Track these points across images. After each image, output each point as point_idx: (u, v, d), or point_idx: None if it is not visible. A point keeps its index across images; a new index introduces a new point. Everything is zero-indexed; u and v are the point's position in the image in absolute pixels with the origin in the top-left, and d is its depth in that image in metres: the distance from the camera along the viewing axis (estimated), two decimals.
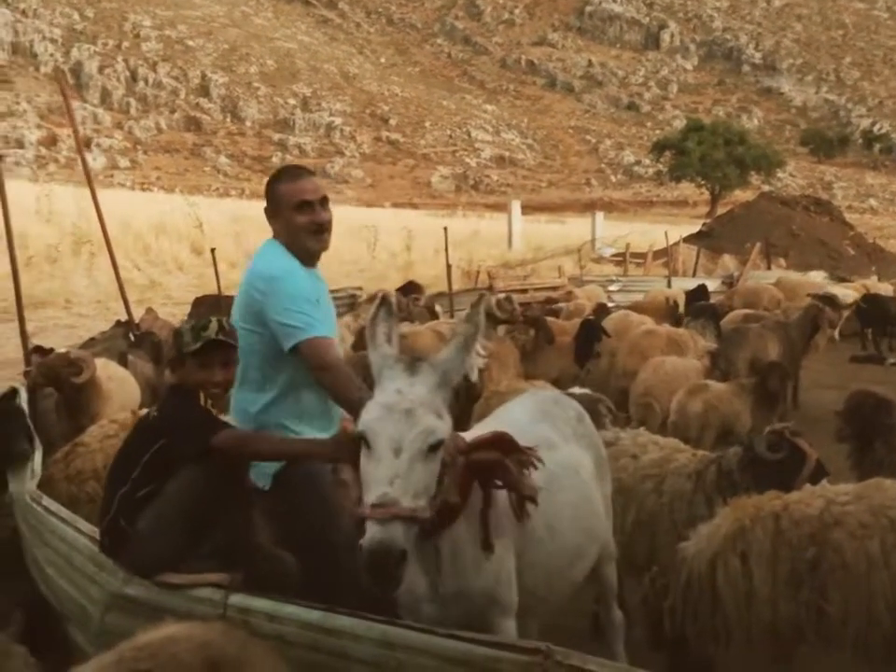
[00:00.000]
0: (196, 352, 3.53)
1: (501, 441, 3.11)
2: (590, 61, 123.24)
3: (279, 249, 3.74)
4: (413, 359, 2.80)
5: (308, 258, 3.76)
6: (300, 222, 3.68)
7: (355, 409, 2.96)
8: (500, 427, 3.48)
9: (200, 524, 3.36)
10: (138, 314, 10.47)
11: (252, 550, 3.52)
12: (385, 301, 2.98)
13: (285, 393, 3.69)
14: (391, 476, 2.57)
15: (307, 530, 3.56)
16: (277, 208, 3.74)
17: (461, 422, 6.62)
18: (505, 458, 3.03)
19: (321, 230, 3.73)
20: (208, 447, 3.29)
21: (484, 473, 3.02)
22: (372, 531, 2.50)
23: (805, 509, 3.87)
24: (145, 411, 4.26)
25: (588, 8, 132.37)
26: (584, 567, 3.73)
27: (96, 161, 79.81)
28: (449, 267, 15.30)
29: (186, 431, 3.36)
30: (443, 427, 2.70)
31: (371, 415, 2.69)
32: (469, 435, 3.27)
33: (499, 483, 3.03)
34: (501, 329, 10.11)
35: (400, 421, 2.63)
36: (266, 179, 3.92)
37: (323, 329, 3.57)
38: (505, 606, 3.13)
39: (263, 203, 3.85)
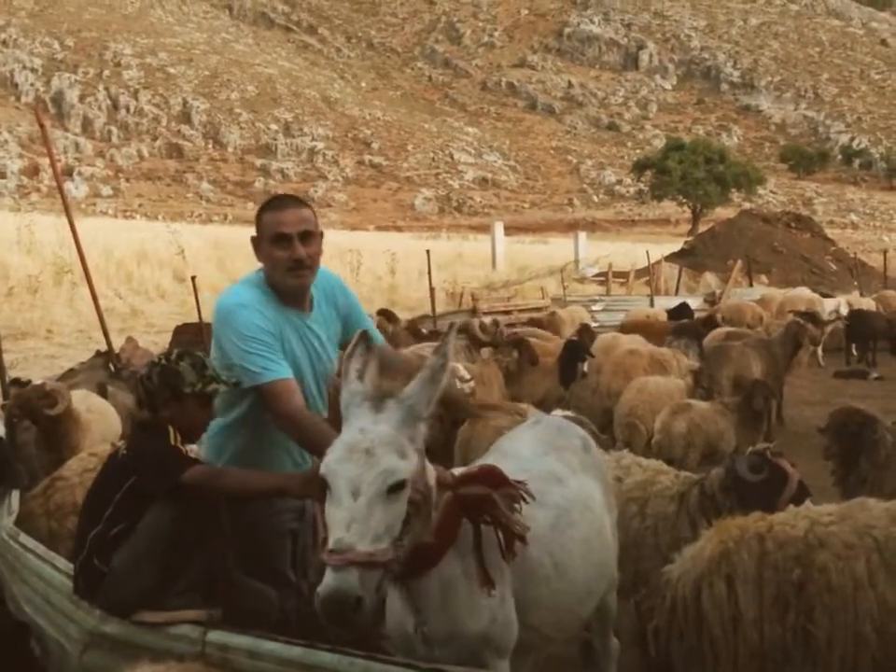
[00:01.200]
0: (201, 393, 3.48)
1: (490, 475, 3.00)
2: (570, 82, 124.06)
3: (252, 281, 3.60)
4: (380, 395, 2.70)
5: (286, 295, 3.54)
6: (276, 256, 3.47)
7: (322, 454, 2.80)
8: (504, 462, 3.39)
9: (174, 560, 3.31)
10: (119, 342, 10.41)
11: (231, 585, 3.47)
12: (363, 336, 2.88)
13: (245, 418, 3.61)
14: (348, 521, 2.49)
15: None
16: (259, 239, 3.56)
17: (445, 447, 6.60)
18: (493, 493, 2.92)
19: (297, 266, 3.47)
20: (178, 484, 3.25)
21: (472, 509, 2.91)
22: (328, 578, 2.44)
23: (790, 530, 3.83)
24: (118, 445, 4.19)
25: (567, 30, 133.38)
26: (593, 603, 3.63)
27: (78, 189, 79.82)
28: (432, 290, 15.31)
29: (156, 468, 3.32)
30: (405, 466, 2.58)
31: (331, 456, 2.61)
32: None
33: (488, 518, 2.91)
34: (486, 352, 10.09)
35: (360, 462, 2.54)
36: (249, 205, 3.82)
37: (280, 370, 3.37)
38: (500, 647, 3.02)
39: (246, 229, 3.76)
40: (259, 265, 3.66)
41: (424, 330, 13.48)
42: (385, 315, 13.43)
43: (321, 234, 3.61)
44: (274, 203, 3.60)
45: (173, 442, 3.46)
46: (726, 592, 3.78)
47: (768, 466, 4.56)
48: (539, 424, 3.97)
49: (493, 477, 3.00)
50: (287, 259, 3.45)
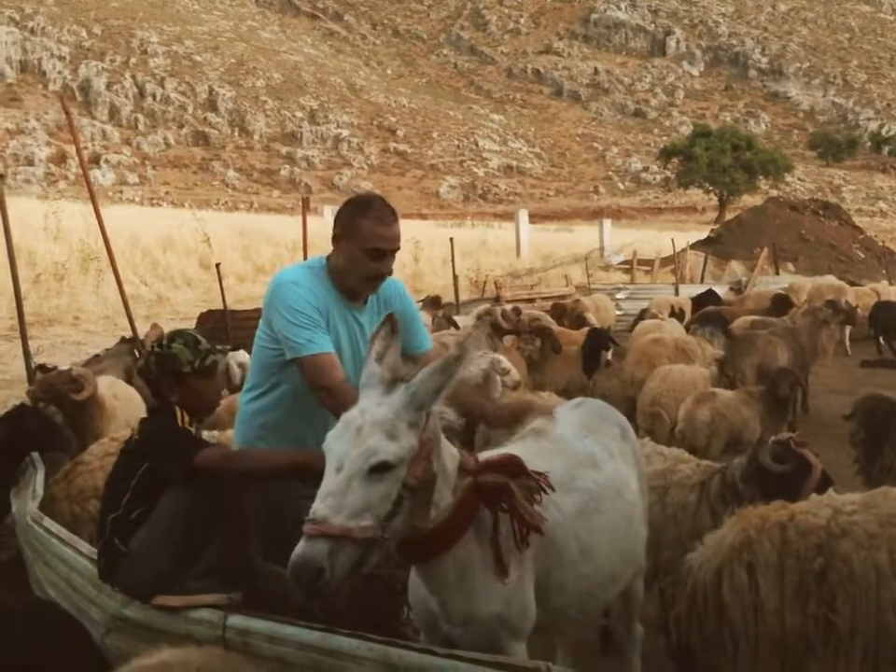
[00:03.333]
0: (201, 369, 3.50)
1: (510, 464, 3.01)
2: (596, 68, 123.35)
3: (312, 266, 3.68)
4: (394, 379, 2.74)
5: (350, 296, 3.66)
6: (364, 264, 3.53)
7: None
8: (541, 441, 3.45)
9: (192, 543, 3.32)
10: (145, 329, 10.46)
11: (250, 569, 3.48)
12: (389, 319, 2.92)
13: (278, 391, 3.70)
14: (325, 493, 2.56)
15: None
16: (349, 239, 3.55)
17: (468, 447, 6.60)
18: (512, 482, 2.94)
19: (379, 279, 3.62)
20: (192, 467, 3.27)
21: (490, 496, 2.93)
22: (298, 546, 2.51)
23: (812, 519, 3.81)
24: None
25: (593, 16, 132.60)
26: (618, 589, 3.64)
27: (105, 177, 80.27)
28: (456, 277, 15.29)
29: (167, 453, 3.34)
30: (392, 449, 2.60)
31: (331, 432, 2.69)
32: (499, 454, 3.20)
33: (504, 507, 2.93)
34: (508, 340, 10.06)
35: (349, 439, 2.61)
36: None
37: (324, 344, 3.44)
38: (516, 629, 3.04)
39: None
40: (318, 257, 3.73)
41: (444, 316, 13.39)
42: (434, 303, 13.33)
43: None
44: (376, 214, 3.57)
45: (181, 424, 3.48)
46: (747, 580, 3.76)
47: (791, 456, 4.51)
48: (581, 406, 3.94)
49: (513, 466, 3.01)
50: (373, 271, 3.56)
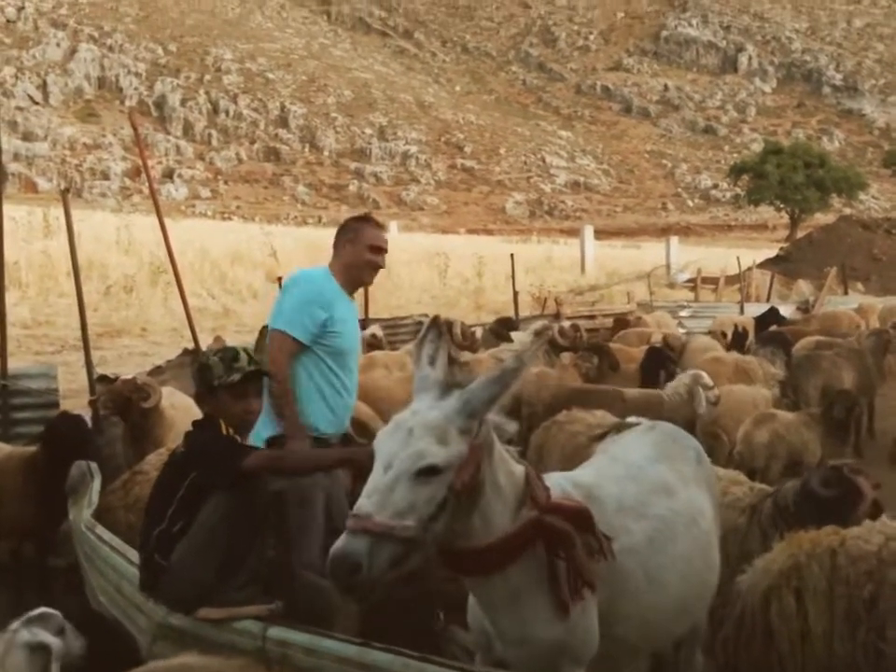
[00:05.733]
0: (231, 384, 3.56)
1: (580, 517, 2.93)
2: (666, 85, 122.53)
3: (322, 271, 4.46)
4: (449, 383, 2.75)
5: (352, 286, 4.53)
6: (368, 258, 4.42)
7: (282, 417, 4.01)
8: (614, 467, 3.40)
9: (232, 554, 3.37)
10: (209, 342, 10.64)
11: (292, 579, 3.52)
12: (434, 323, 2.98)
13: (301, 367, 4.26)
14: (371, 490, 2.57)
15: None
16: (354, 240, 4.43)
17: (521, 454, 6.57)
18: (575, 535, 2.87)
19: (376, 270, 4.51)
20: (239, 473, 3.32)
21: (551, 540, 2.87)
22: (340, 540, 2.53)
23: (863, 545, 3.73)
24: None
25: (664, 33, 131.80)
26: (690, 620, 3.55)
27: (178, 191, 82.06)
28: (516, 293, 15.28)
29: (215, 460, 3.40)
30: (441, 454, 2.60)
31: (383, 429, 2.71)
32: (570, 479, 3.18)
33: (562, 555, 2.87)
34: (565, 357, 10.01)
35: (399, 439, 2.62)
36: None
37: (296, 330, 4.18)
38: (577, 657, 2.97)
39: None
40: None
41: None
42: (508, 323, 12.91)
43: None
44: (374, 223, 4.59)
45: (225, 433, 3.54)
46: (795, 605, 3.69)
47: (842, 482, 4.43)
48: (653, 430, 3.88)
49: (582, 520, 2.94)
50: (375, 263, 4.47)
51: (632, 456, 3.56)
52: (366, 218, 4.60)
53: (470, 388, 2.70)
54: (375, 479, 2.59)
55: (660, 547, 3.23)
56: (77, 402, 9.77)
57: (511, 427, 2.85)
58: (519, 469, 2.90)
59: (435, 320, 3.01)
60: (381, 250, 4.46)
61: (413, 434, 2.61)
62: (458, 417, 2.66)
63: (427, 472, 2.59)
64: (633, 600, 3.12)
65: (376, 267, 4.47)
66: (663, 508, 3.31)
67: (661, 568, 3.22)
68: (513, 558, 2.83)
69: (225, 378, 3.58)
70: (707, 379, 7.74)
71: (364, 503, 2.55)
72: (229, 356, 3.65)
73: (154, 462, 5.24)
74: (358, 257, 4.38)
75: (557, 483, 3.11)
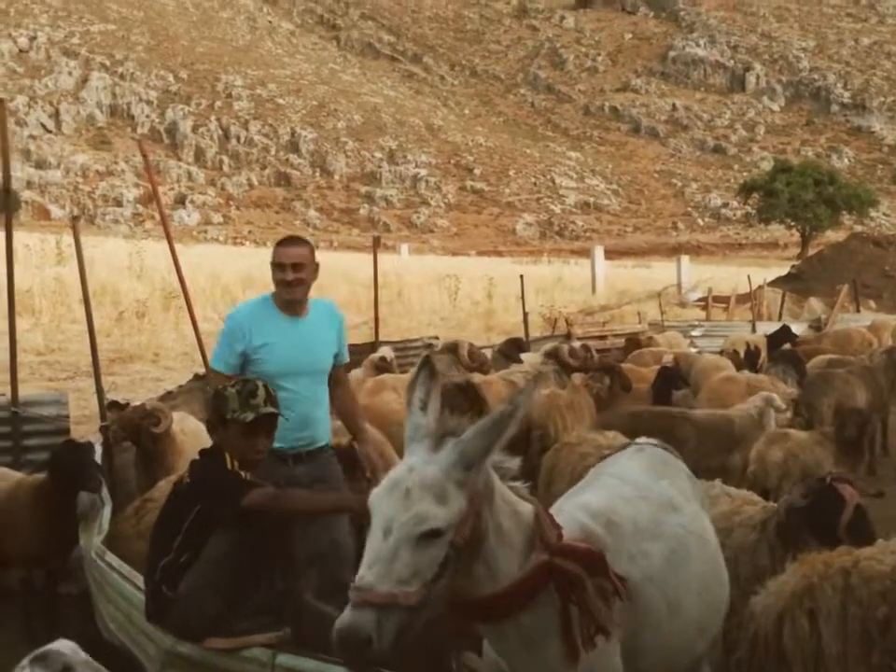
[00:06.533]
0: (242, 421, 3.55)
1: (591, 559, 2.83)
2: (674, 105, 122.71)
3: (265, 296, 4.74)
4: (441, 433, 2.61)
5: (283, 304, 4.67)
6: (276, 278, 4.62)
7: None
8: (622, 487, 3.32)
9: (240, 584, 3.35)
10: None
11: (300, 607, 3.50)
12: (426, 363, 2.81)
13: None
14: (372, 559, 2.46)
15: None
16: (271, 263, 4.64)
17: (531, 475, 6.54)
18: (586, 578, 2.77)
19: (286, 285, 4.57)
20: (241, 508, 3.30)
21: (562, 584, 2.76)
22: (344, 613, 2.44)
23: (877, 565, 3.69)
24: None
25: (671, 53, 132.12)
26: (707, 641, 3.47)
27: (190, 217, 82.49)
28: (526, 314, 15.27)
29: (216, 497, 3.38)
30: (441, 514, 2.49)
31: (378, 488, 2.58)
32: (584, 507, 3.10)
33: (574, 599, 2.77)
34: (576, 378, 9.96)
35: (397, 501, 2.50)
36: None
37: (218, 364, 4.57)
38: None
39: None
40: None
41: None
42: (517, 344, 12.97)
43: (316, 265, 4.72)
44: (284, 241, 4.78)
45: (230, 468, 3.51)
46: (808, 628, 3.66)
47: (821, 490, 4.43)
48: (644, 450, 3.80)
49: (594, 563, 2.84)
50: (279, 280, 4.60)
51: (634, 475, 3.51)
52: (281, 240, 4.79)
53: (465, 438, 2.57)
54: (375, 546, 2.48)
55: (676, 567, 3.17)
56: (89, 428, 9.78)
57: (513, 463, 2.75)
58: (527, 508, 2.79)
59: (427, 360, 2.84)
60: (283, 266, 4.56)
61: (411, 495, 2.50)
62: (455, 470, 2.55)
63: (430, 535, 2.48)
64: (655, 630, 3.05)
65: (283, 283, 4.57)
66: (674, 525, 3.26)
67: (680, 591, 3.16)
68: (523, 605, 2.73)
69: (238, 414, 3.55)
70: (779, 402, 7.71)
71: (366, 574, 2.45)
72: (247, 390, 3.61)
73: (165, 489, 5.19)
74: (273, 277, 4.61)
75: (572, 517, 3.02)
